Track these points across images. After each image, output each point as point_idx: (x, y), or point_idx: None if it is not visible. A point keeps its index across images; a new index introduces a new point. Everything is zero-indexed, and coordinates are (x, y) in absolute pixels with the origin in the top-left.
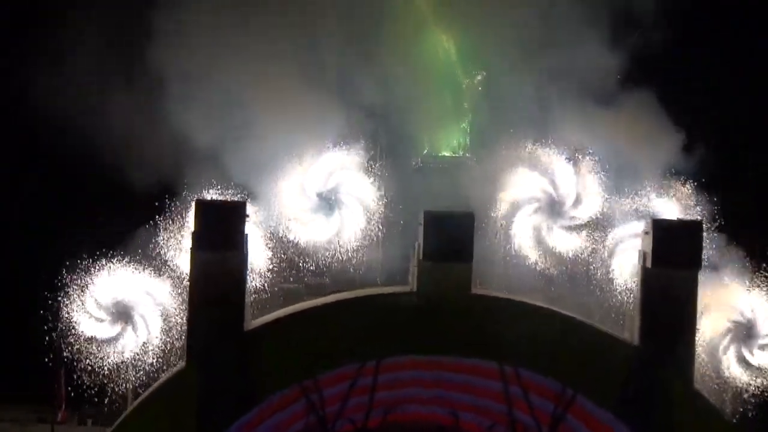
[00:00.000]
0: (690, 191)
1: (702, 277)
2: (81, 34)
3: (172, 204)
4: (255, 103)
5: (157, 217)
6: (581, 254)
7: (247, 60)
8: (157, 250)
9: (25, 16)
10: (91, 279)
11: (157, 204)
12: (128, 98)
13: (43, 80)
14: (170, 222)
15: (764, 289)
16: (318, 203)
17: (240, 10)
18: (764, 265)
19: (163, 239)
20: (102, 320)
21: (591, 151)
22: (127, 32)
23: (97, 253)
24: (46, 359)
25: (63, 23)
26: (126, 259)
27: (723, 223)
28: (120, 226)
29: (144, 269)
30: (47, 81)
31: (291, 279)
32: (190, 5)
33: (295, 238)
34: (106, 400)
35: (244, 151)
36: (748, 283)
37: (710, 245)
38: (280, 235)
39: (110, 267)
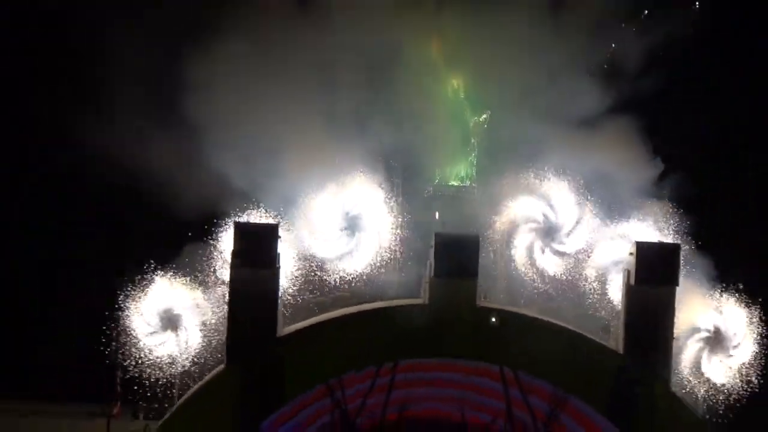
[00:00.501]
0: (669, 214)
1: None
2: (128, 88)
3: (216, 228)
4: (287, 140)
5: (204, 238)
6: (573, 273)
7: (280, 103)
8: (203, 268)
9: (81, 73)
10: (145, 291)
11: (205, 227)
12: (176, 143)
13: (102, 129)
14: (215, 243)
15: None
16: (342, 227)
17: (270, 60)
18: (730, 282)
19: (208, 258)
20: (153, 327)
21: (581, 181)
22: (167, 83)
23: (152, 269)
24: (106, 361)
25: (115, 79)
26: (176, 275)
27: (699, 243)
28: (173, 247)
29: (191, 284)
30: (105, 130)
31: (317, 292)
32: (225, 60)
33: (321, 257)
34: (155, 397)
35: (277, 181)
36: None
37: (686, 263)
38: (309, 254)
39: (162, 281)
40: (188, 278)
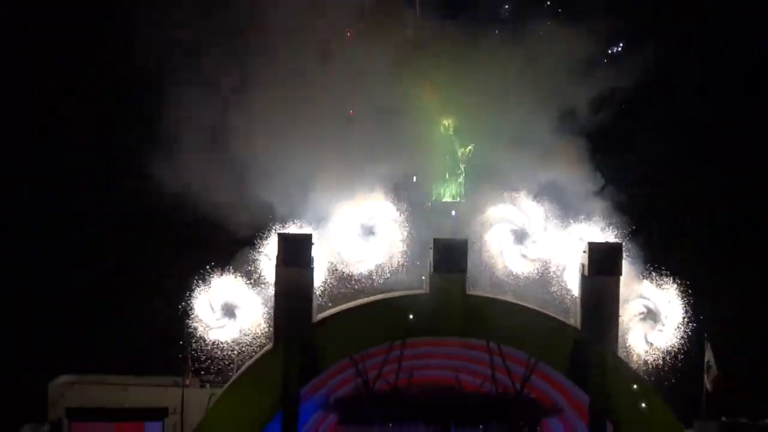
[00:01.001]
0: (613, 220)
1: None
2: (193, 134)
3: (265, 239)
4: (317, 171)
5: (254, 244)
6: (540, 267)
7: (309, 142)
8: (255, 269)
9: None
10: (210, 286)
11: (257, 234)
12: (233, 178)
13: (172, 168)
14: (264, 251)
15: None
16: (362, 234)
17: (299, 108)
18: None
19: (258, 261)
20: (217, 315)
21: (545, 195)
22: (222, 130)
23: (213, 269)
24: (180, 342)
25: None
26: (234, 275)
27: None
28: (231, 253)
29: (244, 281)
30: (176, 168)
31: (343, 287)
32: (264, 109)
33: (345, 260)
34: (219, 371)
35: (310, 202)
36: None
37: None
38: (336, 257)
39: (224, 280)
40: (243, 278)
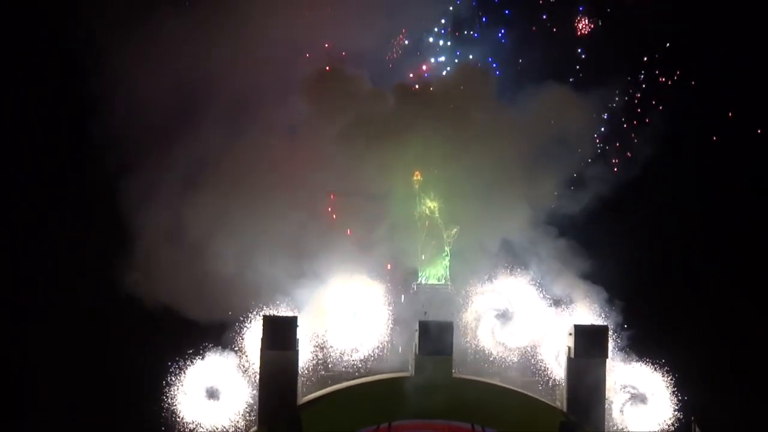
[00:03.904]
0: (599, 305)
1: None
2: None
3: (250, 321)
4: (307, 254)
5: (239, 327)
6: (526, 349)
7: (308, 227)
8: (239, 349)
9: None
10: (191, 369)
11: (242, 318)
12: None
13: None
14: (249, 332)
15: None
16: (347, 317)
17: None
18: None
19: (244, 343)
20: (200, 398)
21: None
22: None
23: (202, 350)
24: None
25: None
26: (219, 354)
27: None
28: (218, 337)
29: (229, 362)
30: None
31: (328, 369)
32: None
33: (330, 341)
34: None
35: (298, 284)
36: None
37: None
38: (321, 338)
39: (208, 359)
40: (229, 358)
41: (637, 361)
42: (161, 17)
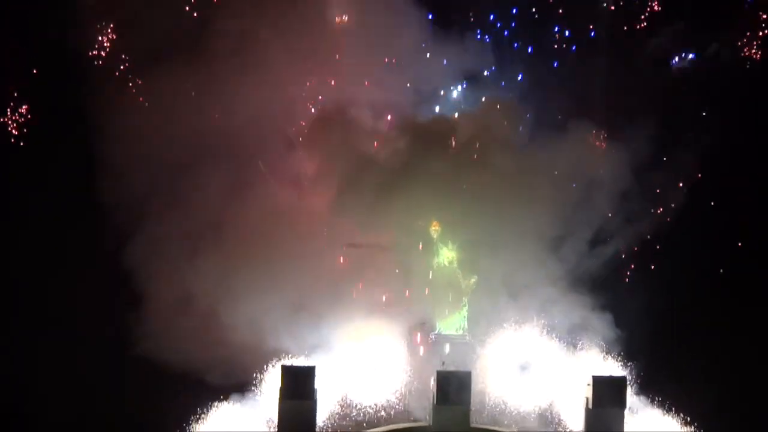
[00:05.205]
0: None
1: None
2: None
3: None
4: (327, 308)
5: (256, 379)
6: (545, 401)
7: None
8: (258, 400)
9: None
10: (210, 419)
11: (257, 371)
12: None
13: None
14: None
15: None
16: (368, 368)
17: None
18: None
19: (262, 393)
20: None
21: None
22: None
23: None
24: None
25: None
26: (239, 404)
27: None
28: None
29: (249, 412)
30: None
31: (348, 419)
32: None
33: (348, 391)
34: None
35: (313, 332)
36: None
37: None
38: (342, 389)
39: (227, 409)
40: (248, 408)
41: (654, 408)
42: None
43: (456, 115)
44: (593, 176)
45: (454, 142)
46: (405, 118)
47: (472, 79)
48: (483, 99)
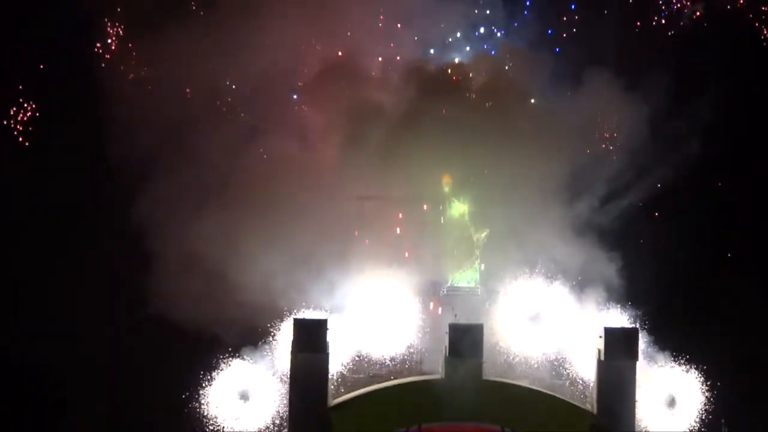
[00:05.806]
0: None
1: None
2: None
3: (281, 322)
4: (329, 252)
5: (271, 332)
6: (557, 352)
7: (321, 221)
8: (271, 353)
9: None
10: (222, 373)
11: (272, 323)
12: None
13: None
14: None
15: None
16: (378, 320)
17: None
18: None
19: (275, 347)
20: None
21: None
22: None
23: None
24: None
25: None
26: (251, 358)
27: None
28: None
29: (261, 365)
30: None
31: (359, 372)
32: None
33: (361, 344)
34: None
35: (326, 285)
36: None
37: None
38: (353, 342)
39: (239, 363)
40: (260, 362)
41: (665, 362)
42: (167, 26)
43: (470, 61)
44: (608, 129)
45: (468, 92)
46: (415, 62)
47: (486, 27)
48: (499, 46)
